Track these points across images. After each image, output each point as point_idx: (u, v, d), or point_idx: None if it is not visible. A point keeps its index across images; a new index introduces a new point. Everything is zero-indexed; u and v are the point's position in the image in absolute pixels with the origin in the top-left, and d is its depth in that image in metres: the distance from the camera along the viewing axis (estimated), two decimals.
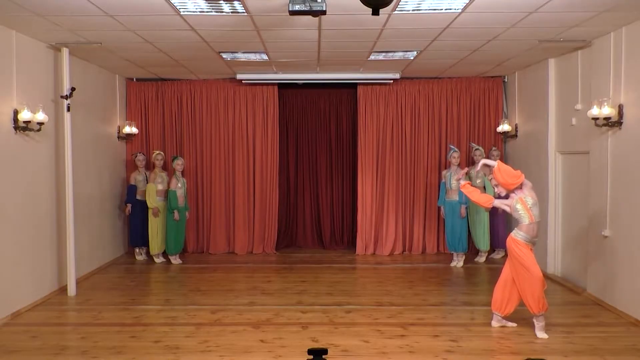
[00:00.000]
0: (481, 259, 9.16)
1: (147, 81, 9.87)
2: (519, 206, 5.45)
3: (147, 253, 9.39)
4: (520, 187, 5.49)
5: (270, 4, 5.24)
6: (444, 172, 8.98)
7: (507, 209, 5.55)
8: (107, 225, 9.03)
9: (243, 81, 9.51)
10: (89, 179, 8.22)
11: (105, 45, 6.99)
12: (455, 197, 8.69)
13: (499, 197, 5.71)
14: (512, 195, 5.51)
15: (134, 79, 9.87)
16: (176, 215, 8.86)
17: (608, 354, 5.01)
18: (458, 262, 8.81)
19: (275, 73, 9.28)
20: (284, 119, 10.56)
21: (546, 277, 7.01)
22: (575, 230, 7.57)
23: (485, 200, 5.75)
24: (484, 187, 8.76)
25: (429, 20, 5.93)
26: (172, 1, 5.20)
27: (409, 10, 5.59)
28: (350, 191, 10.67)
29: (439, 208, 9.28)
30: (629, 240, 6.07)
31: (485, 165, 5.90)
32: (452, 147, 8.94)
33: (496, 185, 5.62)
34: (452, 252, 8.95)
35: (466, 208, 8.73)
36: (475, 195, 5.77)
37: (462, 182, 5.89)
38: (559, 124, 7.90)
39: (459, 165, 8.83)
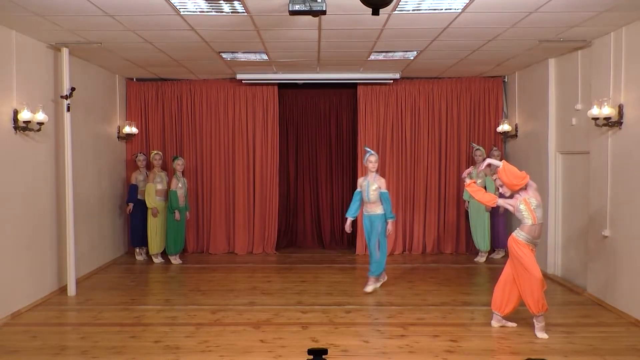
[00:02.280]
0: (481, 259, 9.16)
1: (147, 81, 9.87)
2: (522, 207, 5.43)
3: (147, 253, 9.40)
4: (525, 188, 5.47)
5: (270, 4, 5.24)
6: (359, 180, 7.37)
7: (511, 208, 5.54)
8: (107, 225, 9.03)
9: (243, 81, 9.51)
10: (89, 179, 8.22)
11: (105, 45, 7.00)
12: (376, 210, 7.12)
13: (502, 196, 5.71)
14: (517, 195, 5.50)
15: (134, 79, 9.86)
16: (177, 215, 8.86)
17: (608, 354, 5.01)
18: (375, 285, 7.35)
19: (275, 73, 9.28)
20: (284, 119, 10.55)
21: (546, 277, 7.01)
22: (575, 230, 7.57)
23: (488, 199, 5.74)
24: (485, 188, 8.74)
25: (428, 20, 5.93)
26: (172, 1, 5.20)
27: (409, 10, 5.59)
28: (350, 191, 10.64)
29: (345, 219, 7.45)
30: (629, 240, 6.07)
31: (490, 165, 5.86)
32: (368, 149, 7.32)
33: (501, 186, 5.61)
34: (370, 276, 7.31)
35: (393, 222, 7.26)
36: (479, 194, 5.75)
37: (467, 182, 5.88)
38: (559, 124, 7.89)
39: (377, 171, 7.22)
